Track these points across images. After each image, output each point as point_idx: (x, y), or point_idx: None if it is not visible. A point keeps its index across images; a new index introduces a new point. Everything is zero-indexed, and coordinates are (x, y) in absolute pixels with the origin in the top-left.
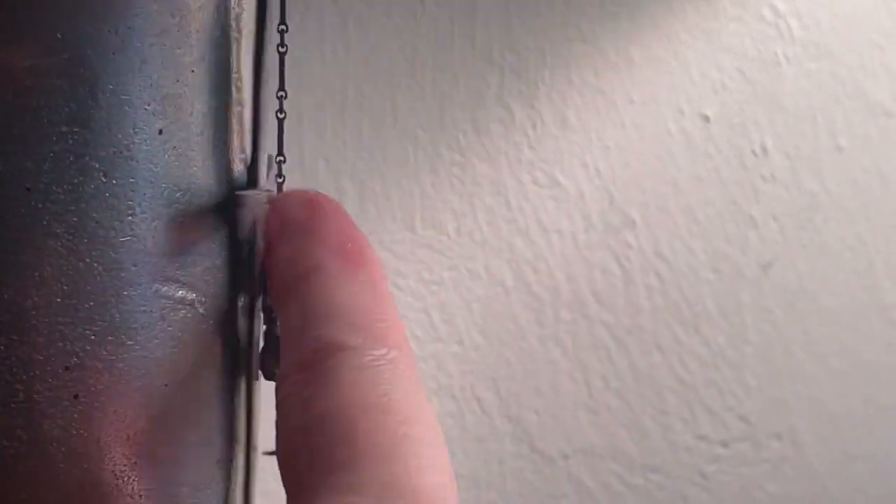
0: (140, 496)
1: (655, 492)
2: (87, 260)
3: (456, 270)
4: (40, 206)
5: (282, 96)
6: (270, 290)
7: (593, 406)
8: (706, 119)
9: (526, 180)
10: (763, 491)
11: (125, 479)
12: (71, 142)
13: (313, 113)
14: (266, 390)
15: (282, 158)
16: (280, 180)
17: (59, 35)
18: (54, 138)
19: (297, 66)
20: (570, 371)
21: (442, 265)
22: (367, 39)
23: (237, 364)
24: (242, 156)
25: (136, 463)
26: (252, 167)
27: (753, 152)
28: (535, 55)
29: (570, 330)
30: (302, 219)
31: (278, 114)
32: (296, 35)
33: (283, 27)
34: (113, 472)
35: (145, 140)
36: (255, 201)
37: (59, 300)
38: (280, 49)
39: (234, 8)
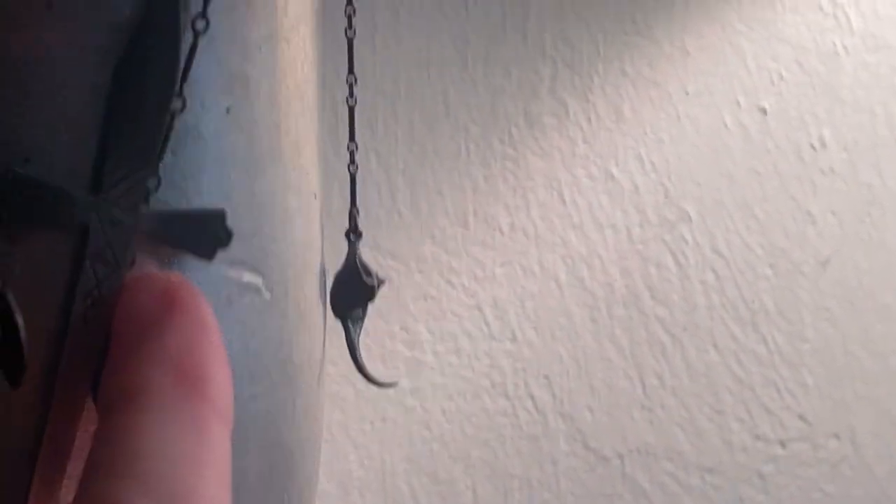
0: None
1: (711, 492)
2: None
3: (509, 266)
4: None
5: (352, 82)
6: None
7: (648, 405)
8: (763, 111)
9: (580, 174)
10: (821, 492)
11: None
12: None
13: (365, 106)
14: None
15: (354, 147)
16: (353, 170)
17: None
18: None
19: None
20: (624, 369)
21: (495, 261)
22: (419, 32)
23: (305, 351)
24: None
25: None
26: None
27: (811, 145)
28: (589, 47)
29: (625, 327)
30: (147, 317)
31: (349, 100)
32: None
33: (350, 9)
34: None
35: (213, 119)
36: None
37: None
38: (348, 33)
39: None
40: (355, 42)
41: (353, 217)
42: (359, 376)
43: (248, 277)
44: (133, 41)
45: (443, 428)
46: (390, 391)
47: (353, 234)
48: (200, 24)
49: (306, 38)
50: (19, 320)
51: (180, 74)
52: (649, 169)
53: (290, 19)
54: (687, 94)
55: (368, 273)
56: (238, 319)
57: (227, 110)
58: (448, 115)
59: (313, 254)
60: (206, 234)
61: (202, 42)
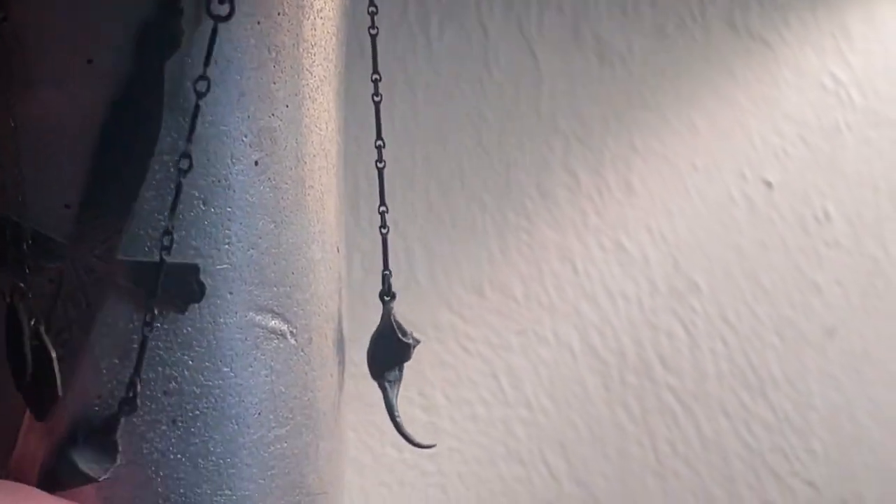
0: None
1: None
2: None
3: (524, 335)
4: (142, 231)
5: (380, 146)
6: None
7: (660, 471)
8: (768, 185)
9: (592, 245)
10: None
11: (219, 500)
12: (173, 170)
13: (371, 181)
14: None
15: (385, 209)
16: (385, 231)
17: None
18: (156, 167)
19: (366, 131)
20: (637, 436)
21: (510, 329)
22: (435, 106)
23: (327, 397)
24: (335, 191)
25: (230, 487)
26: None
27: (816, 218)
28: (600, 122)
29: (637, 394)
30: None
31: (377, 163)
32: (367, 105)
33: (376, 76)
34: (207, 496)
35: (242, 171)
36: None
37: (158, 325)
38: (375, 98)
39: (329, 49)
40: (372, 119)
41: (385, 279)
42: (376, 441)
43: (274, 323)
44: (118, 102)
45: (459, 492)
46: (407, 455)
47: (387, 294)
48: (202, 86)
49: (330, 98)
50: (53, 355)
51: (187, 134)
52: (659, 240)
53: (315, 79)
54: (695, 168)
55: (404, 333)
56: (264, 363)
57: (256, 163)
58: (464, 187)
59: (335, 304)
60: (180, 286)
61: (223, 98)
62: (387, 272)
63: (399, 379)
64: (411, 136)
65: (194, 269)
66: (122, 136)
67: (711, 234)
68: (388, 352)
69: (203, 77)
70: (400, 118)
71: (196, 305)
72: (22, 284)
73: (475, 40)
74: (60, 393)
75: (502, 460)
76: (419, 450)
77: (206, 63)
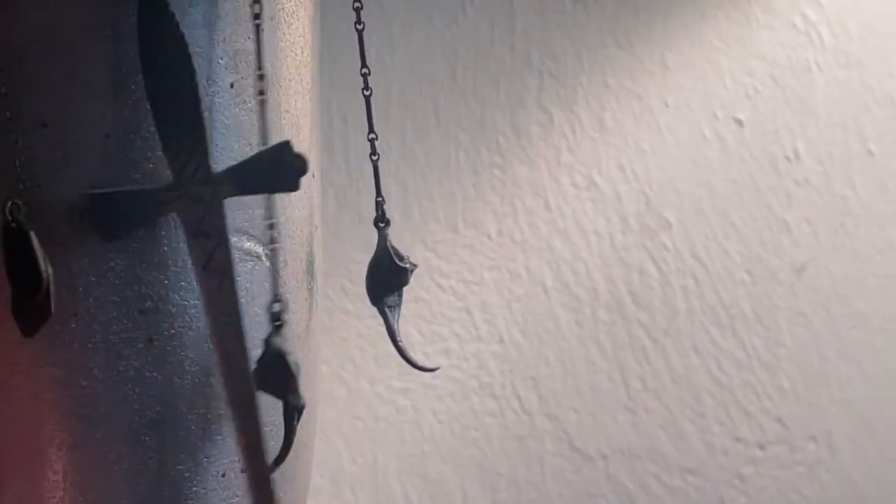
0: (203, 437)
1: (693, 493)
2: None
3: (497, 271)
4: (122, 152)
5: (365, 73)
6: None
7: (632, 406)
8: (740, 123)
9: (565, 182)
10: (799, 494)
11: (193, 420)
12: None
13: (358, 114)
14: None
15: (374, 136)
16: (375, 158)
17: None
18: (133, 87)
19: (342, 70)
20: (608, 371)
21: (483, 265)
22: (411, 44)
23: (300, 321)
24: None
25: (204, 405)
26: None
27: (786, 157)
28: (574, 60)
29: (609, 331)
30: None
31: (364, 91)
32: (341, 38)
33: (357, 4)
34: (182, 413)
35: (218, 92)
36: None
37: (135, 244)
38: (358, 26)
39: None
40: (348, 56)
41: (379, 205)
42: (350, 375)
43: (249, 245)
44: (142, 43)
45: (433, 428)
46: (381, 390)
47: (381, 221)
48: (257, 8)
49: (306, 23)
50: (50, 271)
51: (256, 58)
52: (631, 178)
53: (291, 3)
54: (667, 106)
55: (401, 258)
56: (240, 285)
57: (231, 85)
58: (438, 124)
59: (308, 228)
60: (282, 167)
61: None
62: (380, 199)
63: (399, 304)
64: (387, 73)
65: (287, 146)
66: (161, 64)
67: (683, 172)
68: (386, 277)
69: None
70: (375, 55)
71: (172, 226)
72: (20, 202)
73: None
74: (52, 311)
75: (475, 395)
76: (392, 385)
77: None
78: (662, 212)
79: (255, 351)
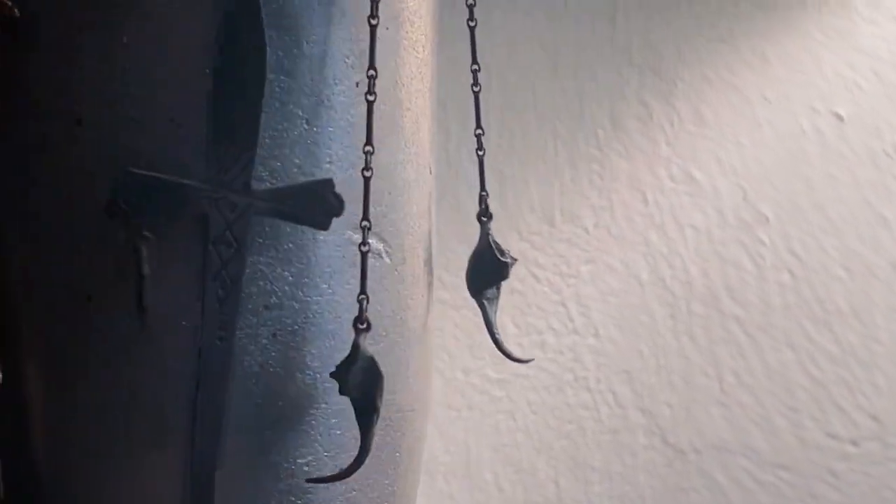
0: (323, 432)
1: (785, 489)
2: None
3: (593, 264)
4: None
5: (475, 69)
6: None
7: (725, 401)
8: (839, 118)
9: (662, 176)
10: (892, 490)
11: (314, 415)
12: (277, 89)
13: (459, 104)
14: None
15: (481, 132)
16: (481, 154)
17: None
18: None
19: (440, 63)
20: (702, 366)
21: (579, 258)
22: (511, 37)
23: (418, 316)
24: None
25: (325, 401)
26: None
27: (886, 152)
28: (673, 53)
29: (703, 325)
30: None
31: (473, 87)
32: (442, 32)
33: (471, 2)
34: (304, 409)
35: (343, 91)
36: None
37: (260, 241)
38: (470, 23)
39: None
40: (448, 49)
41: (483, 199)
42: (446, 365)
43: (372, 241)
44: (222, 38)
45: (527, 419)
46: (476, 380)
47: (484, 215)
48: (374, 21)
49: (427, 22)
50: (146, 272)
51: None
52: (729, 171)
53: (414, 2)
54: (766, 99)
55: (502, 252)
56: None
57: (356, 84)
58: (537, 116)
59: (426, 224)
60: (318, 203)
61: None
62: (484, 193)
63: (497, 297)
64: (487, 67)
65: (329, 184)
66: (232, 67)
67: (781, 167)
68: (487, 271)
69: (374, 15)
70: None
71: (298, 224)
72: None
73: None
74: (145, 303)
75: (570, 388)
76: (487, 375)
77: None
78: (760, 206)
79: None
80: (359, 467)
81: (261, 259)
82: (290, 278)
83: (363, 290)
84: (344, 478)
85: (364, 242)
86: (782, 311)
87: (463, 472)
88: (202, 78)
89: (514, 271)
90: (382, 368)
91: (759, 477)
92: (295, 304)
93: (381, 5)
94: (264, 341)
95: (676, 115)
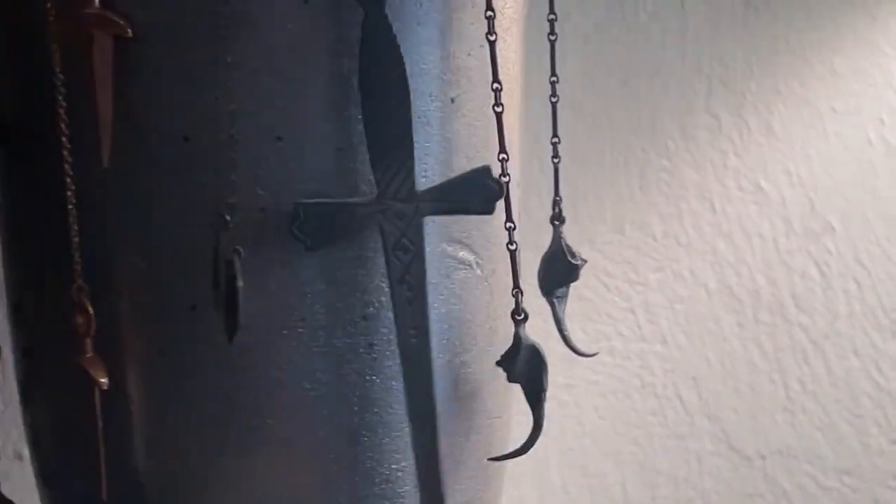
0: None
1: (849, 494)
2: None
3: (661, 272)
4: (351, 165)
5: (554, 81)
6: None
7: (790, 408)
8: None
9: (731, 186)
10: None
11: (408, 422)
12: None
13: (530, 115)
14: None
15: (557, 140)
16: (556, 161)
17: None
18: (354, 105)
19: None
20: (768, 372)
21: (648, 266)
22: (584, 49)
23: (504, 324)
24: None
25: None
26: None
27: None
28: (743, 66)
29: (770, 333)
30: None
31: (552, 98)
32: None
33: (552, 16)
34: (398, 415)
35: (440, 107)
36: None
37: (359, 252)
38: (551, 37)
39: None
40: (531, 51)
41: (556, 204)
42: None
43: (462, 254)
44: (365, 61)
45: (595, 424)
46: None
47: (558, 220)
48: (492, 37)
49: (517, 39)
50: (240, 284)
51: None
52: (796, 182)
53: (506, 20)
54: (834, 111)
55: (573, 255)
56: (453, 292)
57: (452, 100)
58: (609, 127)
59: (515, 237)
60: (480, 191)
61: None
62: (558, 198)
63: (566, 295)
64: (560, 77)
65: (486, 171)
66: (377, 80)
67: (848, 177)
68: (558, 272)
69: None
70: (548, 60)
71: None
72: (228, 217)
73: None
74: (240, 321)
75: (637, 393)
76: (555, 380)
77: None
78: (826, 216)
79: (463, 357)
80: (534, 443)
81: (358, 272)
82: (387, 289)
83: (516, 285)
84: (521, 454)
85: (511, 241)
86: (848, 320)
87: (531, 475)
88: (304, 96)
89: (584, 279)
90: (544, 354)
91: (824, 482)
92: (391, 314)
93: (477, 23)
94: (361, 350)
95: (745, 126)
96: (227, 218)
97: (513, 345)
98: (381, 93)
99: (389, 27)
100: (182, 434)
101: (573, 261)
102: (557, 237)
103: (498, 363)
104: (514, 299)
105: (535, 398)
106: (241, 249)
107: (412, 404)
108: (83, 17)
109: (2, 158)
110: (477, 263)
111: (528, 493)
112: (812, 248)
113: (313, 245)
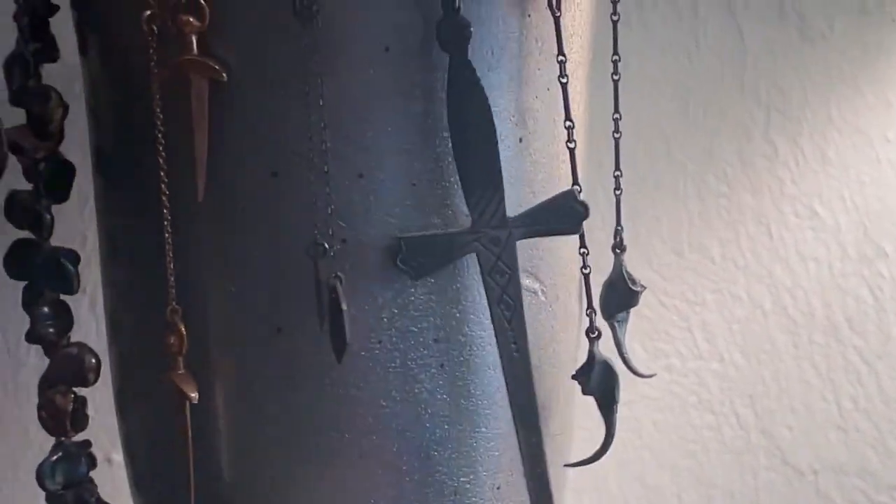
0: (484, 453)
1: None
2: None
3: (719, 293)
4: (425, 199)
5: (617, 118)
6: None
7: (843, 425)
8: None
9: (787, 211)
10: None
11: (477, 438)
12: (450, 145)
13: (591, 142)
14: None
15: (619, 173)
16: (618, 193)
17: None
18: (437, 142)
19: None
20: (822, 391)
21: (706, 287)
22: (644, 78)
23: (568, 349)
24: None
25: (486, 425)
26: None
27: None
28: (799, 95)
29: (824, 353)
30: None
31: (614, 134)
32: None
33: (615, 58)
34: (467, 432)
35: (508, 147)
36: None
37: (431, 280)
38: (614, 77)
39: (584, 37)
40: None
41: (617, 233)
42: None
43: (528, 282)
44: (454, 104)
45: (653, 437)
46: None
47: (619, 248)
48: (563, 79)
49: (582, 81)
50: (345, 307)
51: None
52: (851, 208)
53: (572, 64)
54: (888, 140)
55: (633, 281)
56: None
57: (520, 140)
58: (669, 154)
59: (577, 265)
60: (567, 214)
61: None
62: (619, 228)
63: (626, 319)
64: (622, 107)
65: (572, 194)
66: (465, 119)
67: None
68: (619, 297)
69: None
70: (609, 85)
71: (465, 265)
72: (326, 245)
73: (685, 15)
74: (348, 341)
75: (694, 409)
76: None
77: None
78: (880, 241)
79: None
80: (606, 451)
81: (433, 297)
82: (458, 315)
83: (590, 305)
84: (595, 460)
85: (585, 265)
86: None
87: (591, 486)
88: (383, 137)
89: (644, 299)
90: (616, 368)
91: (874, 497)
92: (461, 337)
93: (543, 68)
94: (433, 371)
95: (801, 153)
96: (326, 247)
97: (587, 360)
98: (470, 130)
99: (473, 70)
100: (264, 446)
101: (633, 287)
102: (618, 264)
103: (573, 377)
104: (587, 319)
105: (608, 409)
106: (341, 276)
107: (519, 414)
108: (183, 64)
109: (100, 185)
110: (542, 291)
111: (589, 501)
112: (866, 272)
113: (416, 275)
